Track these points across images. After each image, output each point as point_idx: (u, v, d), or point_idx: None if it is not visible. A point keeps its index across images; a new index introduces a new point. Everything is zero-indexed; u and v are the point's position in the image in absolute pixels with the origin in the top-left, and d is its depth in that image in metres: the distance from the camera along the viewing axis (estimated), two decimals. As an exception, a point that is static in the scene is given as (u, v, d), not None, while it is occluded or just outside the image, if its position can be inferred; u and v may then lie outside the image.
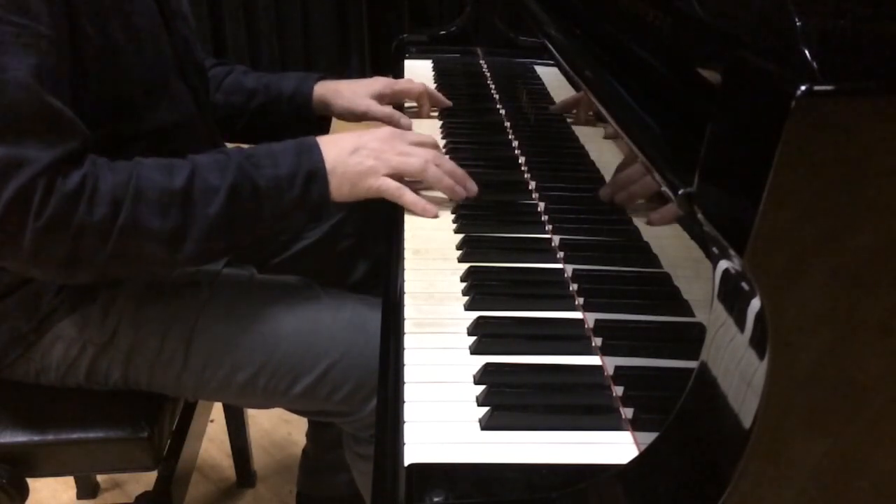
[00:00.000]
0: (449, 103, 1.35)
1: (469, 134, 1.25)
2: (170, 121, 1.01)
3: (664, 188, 0.57)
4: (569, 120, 1.03)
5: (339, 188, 0.94)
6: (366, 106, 1.26)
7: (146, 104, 0.97)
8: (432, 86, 1.44)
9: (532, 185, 1.07)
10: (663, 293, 0.66)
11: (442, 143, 1.21)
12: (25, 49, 0.80)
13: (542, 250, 0.91)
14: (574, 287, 0.83)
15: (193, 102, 1.07)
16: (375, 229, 1.27)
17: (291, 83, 1.27)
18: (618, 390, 0.68)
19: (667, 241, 0.67)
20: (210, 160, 0.90)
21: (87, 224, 0.82)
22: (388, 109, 1.27)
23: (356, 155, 0.95)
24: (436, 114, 1.35)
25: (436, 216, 0.98)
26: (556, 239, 0.92)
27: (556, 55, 0.96)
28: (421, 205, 0.98)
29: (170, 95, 1.01)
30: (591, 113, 0.95)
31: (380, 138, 0.99)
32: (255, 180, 0.89)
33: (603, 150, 0.86)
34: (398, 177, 0.98)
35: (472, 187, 1.01)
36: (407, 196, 0.98)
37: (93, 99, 0.89)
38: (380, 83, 1.30)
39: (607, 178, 0.84)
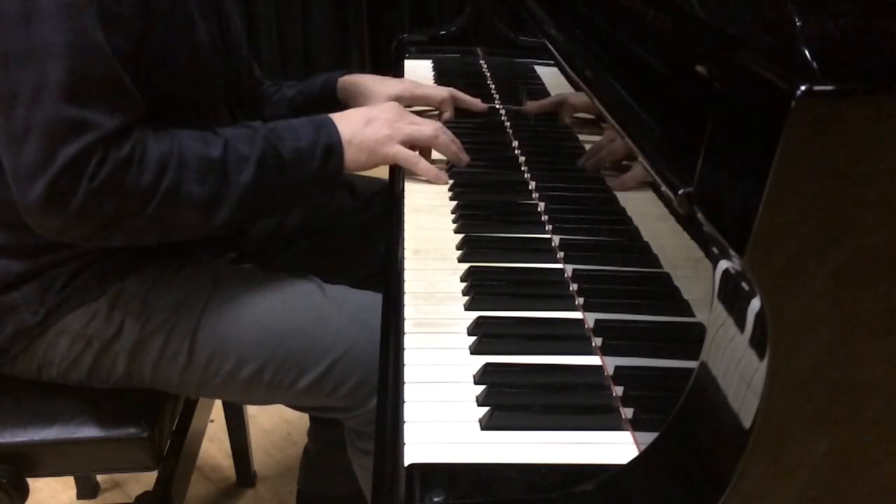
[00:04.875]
0: (483, 107, 1.31)
1: (469, 134, 1.25)
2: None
3: (664, 188, 0.57)
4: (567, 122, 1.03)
5: (357, 158, 1.01)
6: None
7: (190, 116, 0.99)
8: (432, 86, 1.43)
9: (532, 185, 1.07)
10: (663, 293, 0.66)
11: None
12: (102, 19, 0.84)
13: (542, 250, 0.91)
14: (574, 287, 0.83)
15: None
16: (378, 228, 1.27)
17: (320, 81, 1.31)
18: (618, 390, 0.68)
19: (667, 241, 0.67)
20: (239, 133, 0.95)
21: (135, 188, 0.86)
22: None
23: (370, 125, 1.02)
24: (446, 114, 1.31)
25: (447, 183, 1.06)
26: (556, 239, 0.92)
27: (556, 55, 0.96)
28: (434, 172, 1.07)
29: (213, 119, 1.03)
30: (575, 115, 0.96)
31: (389, 110, 1.06)
32: (279, 151, 0.95)
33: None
34: (411, 146, 1.05)
35: (466, 157, 1.11)
36: (422, 164, 1.06)
37: (144, 94, 0.91)
38: (401, 86, 1.29)
39: (607, 177, 0.84)
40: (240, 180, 0.91)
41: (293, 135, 0.97)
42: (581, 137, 0.96)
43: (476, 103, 1.31)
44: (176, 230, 0.92)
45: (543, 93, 1.15)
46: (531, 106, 1.18)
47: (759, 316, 0.47)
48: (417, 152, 1.07)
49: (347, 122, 1.01)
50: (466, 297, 0.82)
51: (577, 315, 0.80)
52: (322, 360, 0.97)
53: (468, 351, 0.74)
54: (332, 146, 0.98)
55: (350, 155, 0.99)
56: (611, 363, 0.71)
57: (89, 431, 0.99)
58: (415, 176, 1.08)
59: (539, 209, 1.00)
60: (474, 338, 0.75)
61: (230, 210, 0.92)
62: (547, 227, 0.96)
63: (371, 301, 1.02)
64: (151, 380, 1.01)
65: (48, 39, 0.81)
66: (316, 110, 1.26)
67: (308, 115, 1.09)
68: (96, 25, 0.83)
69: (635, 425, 0.64)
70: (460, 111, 1.30)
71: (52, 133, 0.82)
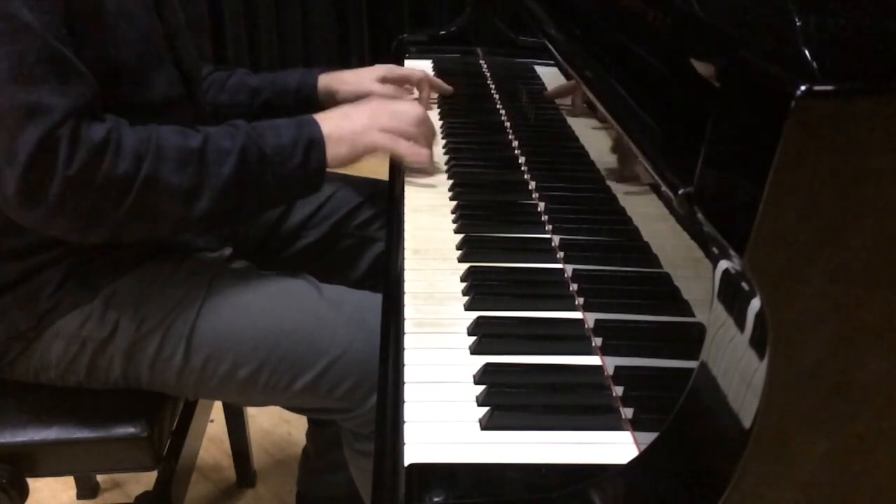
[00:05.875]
0: (450, 89, 1.40)
1: (469, 134, 1.25)
2: (160, 100, 1.01)
3: (664, 188, 0.57)
4: (564, 112, 1.03)
5: (338, 152, 1.01)
6: (370, 87, 1.30)
7: (138, 78, 0.99)
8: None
9: (532, 185, 1.07)
10: (663, 293, 0.66)
11: (442, 142, 1.21)
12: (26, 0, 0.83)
13: (542, 250, 0.91)
14: (574, 287, 0.83)
15: (184, 86, 1.08)
16: (376, 228, 1.27)
17: (295, 77, 1.32)
18: (618, 390, 0.68)
19: (667, 241, 0.67)
20: (220, 129, 0.96)
21: (112, 177, 0.85)
22: (391, 89, 1.32)
23: (348, 119, 1.04)
24: (436, 102, 1.39)
25: (431, 166, 1.08)
26: (556, 239, 0.92)
27: (556, 55, 0.96)
28: (415, 151, 1.06)
29: (162, 75, 1.02)
30: (585, 103, 0.96)
31: (369, 103, 1.09)
32: (261, 147, 0.95)
33: (602, 148, 0.86)
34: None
35: (433, 169, 1.11)
36: (401, 144, 1.05)
37: (87, 63, 0.89)
38: (382, 68, 1.34)
39: (607, 176, 0.84)
40: (221, 172, 0.92)
41: (275, 132, 0.97)
42: (580, 135, 0.95)
43: (445, 86, 1.39)
44: (158, 223, 0.92)
45: (543, 93, 1.14)
46: (548, 94, 1.18)
47: (759, 316, 0.47)
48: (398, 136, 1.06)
49: (327, 119, 1.02)
50: (466, 297, 0.82)
51: (577, 315, 0.80)
52: (318, 361, 0.97)
53: (468, 351, 0.74)
54: (314, 141, 0.98)
55: (331, 149, 1.00)
56: (611, 363, 0.71)
57: (89, 431, 0.99)
58: (414, 176, 1.08)
59: (539, 209, 1.00)
60: (474, 338, 0.75)
61: (211, 201, 0.91)
62: (547, 227, 0.96)
63: (368, 301, 1.02)
64: (149, 381, 1.01)
65: None
66: (288, 107, 1.28)
67: (279, 110, 1.12)
68: (20, 6, 0.82)
69: (635, 425, 0.64)
70: (459, 111, 1.31)
71: (6, 122, 0.81)
